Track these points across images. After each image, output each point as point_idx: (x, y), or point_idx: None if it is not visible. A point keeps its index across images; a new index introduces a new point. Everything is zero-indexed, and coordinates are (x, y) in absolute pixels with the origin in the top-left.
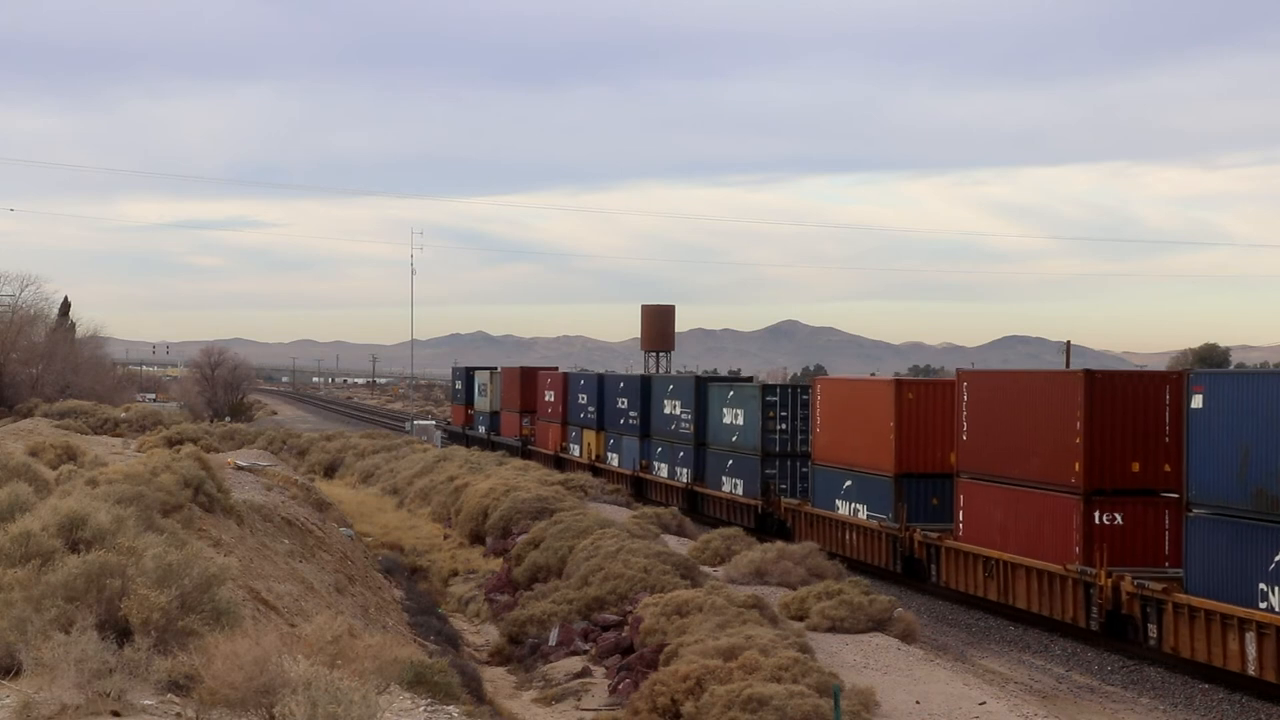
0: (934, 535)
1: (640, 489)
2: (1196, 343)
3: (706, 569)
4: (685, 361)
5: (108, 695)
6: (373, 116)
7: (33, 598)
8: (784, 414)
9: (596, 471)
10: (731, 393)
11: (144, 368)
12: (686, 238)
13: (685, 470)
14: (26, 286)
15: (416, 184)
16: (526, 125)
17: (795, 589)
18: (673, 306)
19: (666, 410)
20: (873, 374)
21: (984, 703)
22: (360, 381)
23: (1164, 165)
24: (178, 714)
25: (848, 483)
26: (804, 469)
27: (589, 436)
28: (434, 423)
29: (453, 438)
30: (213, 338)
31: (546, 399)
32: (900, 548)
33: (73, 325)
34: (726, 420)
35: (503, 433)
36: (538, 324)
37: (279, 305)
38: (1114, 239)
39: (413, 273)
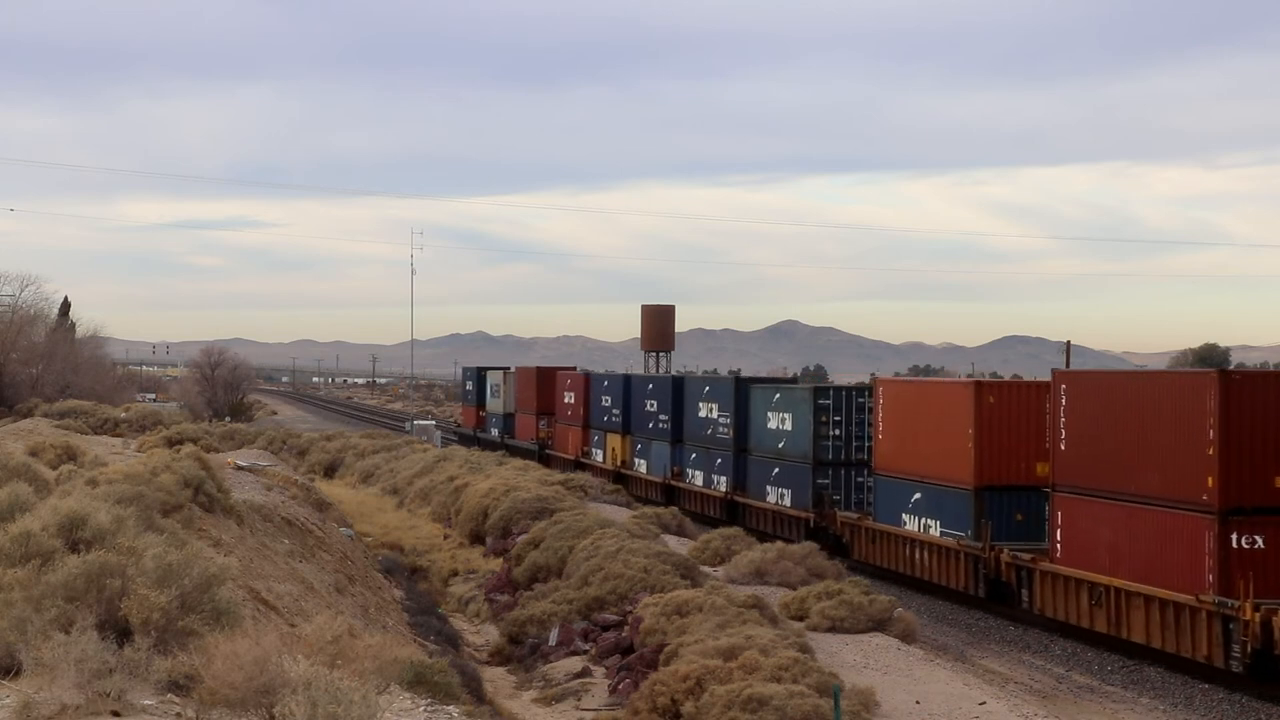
0: (1026, 556)
1: (672, 497)
2: (1196, 343)
3: (706, 569)
4: (685, 361)
5: (108, 695)
6: (373, 116)
7: (33, 598)
8: (838, 418)
9: (622, 478)
10: (778, 395)
11: (144, 368)
12: (686, 238)
13: (723, 478)
14: (26, 286)
15: (416, 184)
16: (526, 125)
17: (795, 589)
18: (673, 306)
19: (702, 413)
20: (873, 375)
21: (984, 703)
22: (360, 381)
23: (1164, 165)
24: (178, 714)
25: (916, 495)
26: (860, 479)
27: (613, 441)
28: (434, 423)
29: (463, 441)
30: (213, 338)
31: (566, 400)
32: (983, 569)
33: (73, 325)
34: (772, 425)
35: (518, 436)
36: (538, 324)
37: (279, 305)
38: (1114, 239)
39: (413, 273)
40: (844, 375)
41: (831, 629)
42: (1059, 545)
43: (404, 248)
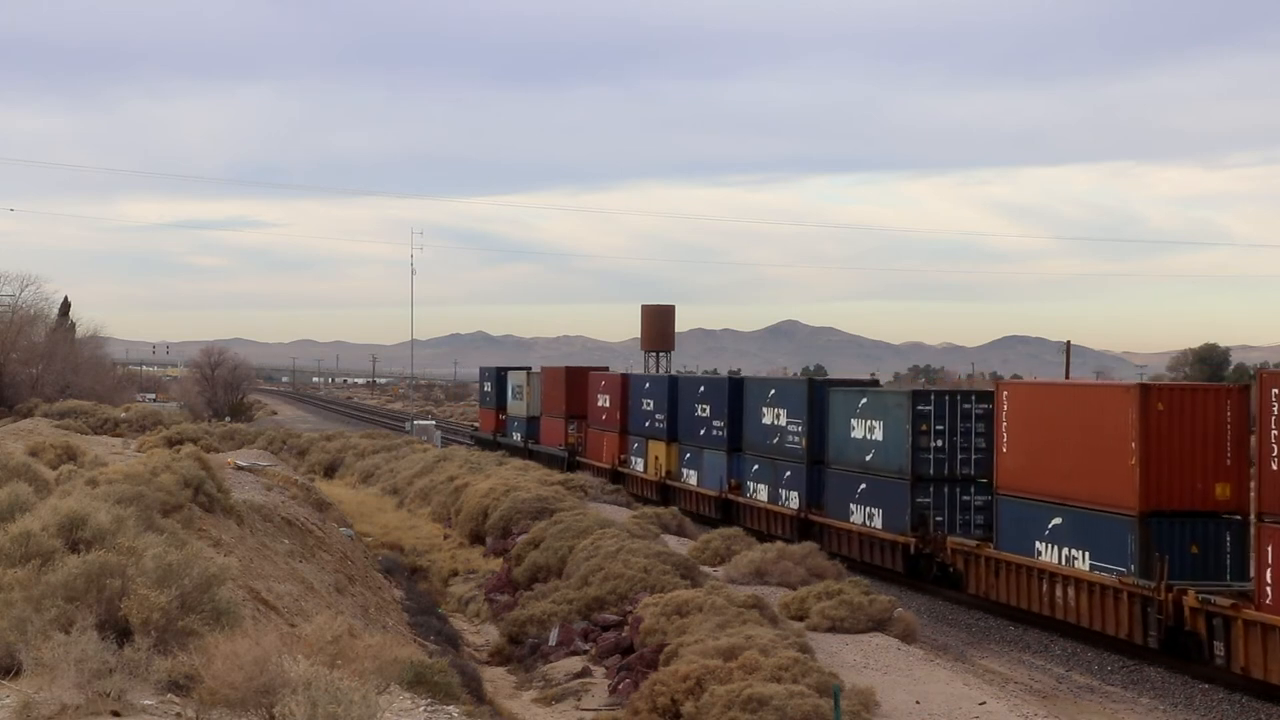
0: (1225, 604)
1: (728, 513)
2: (1196, 343)
3: (706, 569)
4: (685, 361)
5: (108, 695)
6: (373, 116)
7: (33, 598)
8: (939, 428)
9: (667, 490)
10: (864, 400)
11: (144, 368)
12: (686, 238)
13: (794, 494)
14: (26, 286)
15: (416, 184)
16: (526, 125)
17: (795, 589)
18: (673, 306)
19: (766, 420)
20: (873, 374)
21: (984, 703)
22: (360, 381)
23: (1164, 165)
24: (178, 714)
25: (1055, 520)
26: (966, 497)
27: (657, 449)
28: (434, 423)
29: (481, 445)
30: (213, 338)
31: (599, 404)
32: (1159, 615)
33: (73, 325)
34: (856, 434)
35: (543, 441)
36: (538, 324)
37: (279, 305)
38: (1114, 239)
39: (413, 273)
40: (844, 375)
41: (831, 629)
42: (1269, 589)
43: (404, 248)
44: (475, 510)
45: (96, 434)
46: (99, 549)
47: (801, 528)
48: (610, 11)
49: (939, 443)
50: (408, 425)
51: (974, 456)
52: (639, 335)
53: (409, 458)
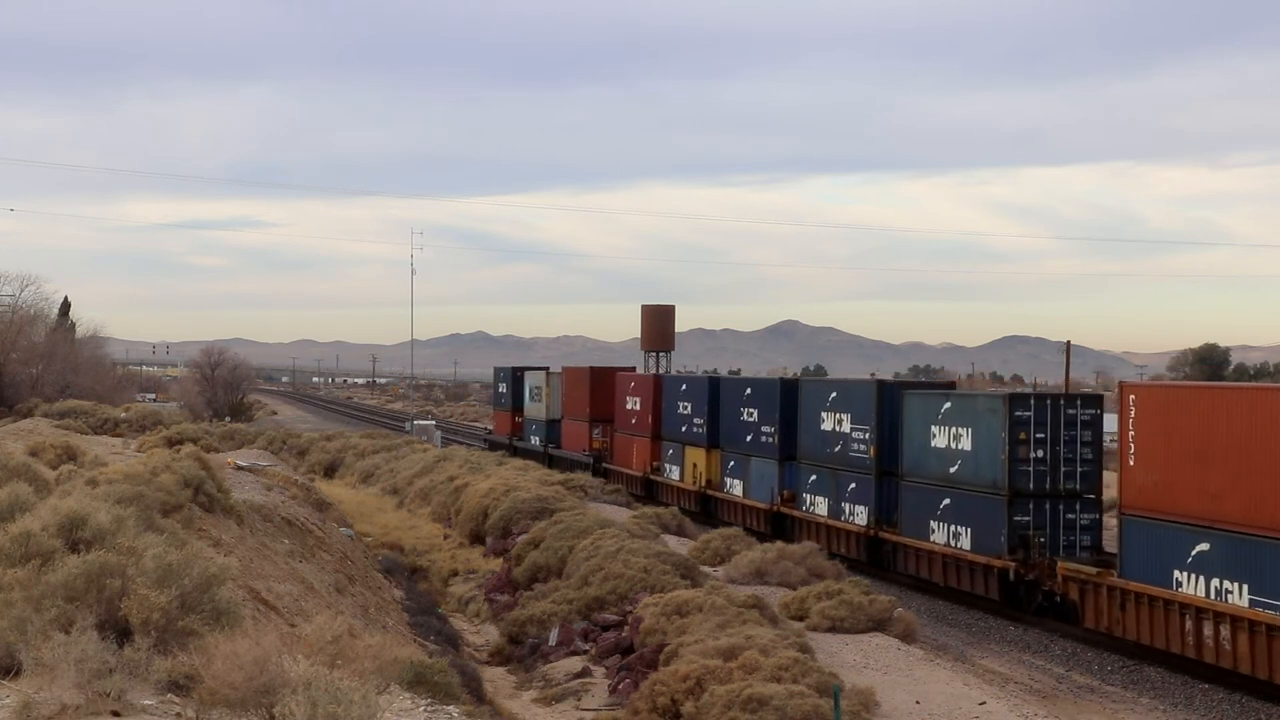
0: None
1: (780, 527)
2: (1196, 343)
3: (706, 569)
4: (685, 361)
5: (108, 695)
6: (373, 116)
7: (33, 598)
8: (1040, 436)
9: (708, 501)
10: (948, 404)
11: (144, 368)
12: (686, 238)
13: (861, 509)
14: (26, 286)
15: (416, 184)
16: (526, 125)
17: (795, 589)
18: (673, 306)
19: (825, 425)
20: (872, 374)
21: (984, 703)
22: (360, 381)
23: (1164, 165)
24: (178, 714)
25: (1201, 546)
26: (1071, 516)
27: (695, 456)
28: (434, 422)
29: (495, 448)
30: (213, 338)
31: (628, 406)
32: None
33: (73, 325)
34: (938, 442)
35: (564, 446)
36: (538, 324)
37: (279, 305)
38: (1114, 239)
39: (413, 273)
40: (844, 375)
41: (831, 629)
42: None
43: (404, 248)
44: (475, 510)
45: (96, 434)
46: (99, 549)
47: (871, 546)
48: (610, 11)
49: (1039, 453)
50: (408, 425)
51: (1079, 469)
52: (639, 335)
53: (409, 458)
